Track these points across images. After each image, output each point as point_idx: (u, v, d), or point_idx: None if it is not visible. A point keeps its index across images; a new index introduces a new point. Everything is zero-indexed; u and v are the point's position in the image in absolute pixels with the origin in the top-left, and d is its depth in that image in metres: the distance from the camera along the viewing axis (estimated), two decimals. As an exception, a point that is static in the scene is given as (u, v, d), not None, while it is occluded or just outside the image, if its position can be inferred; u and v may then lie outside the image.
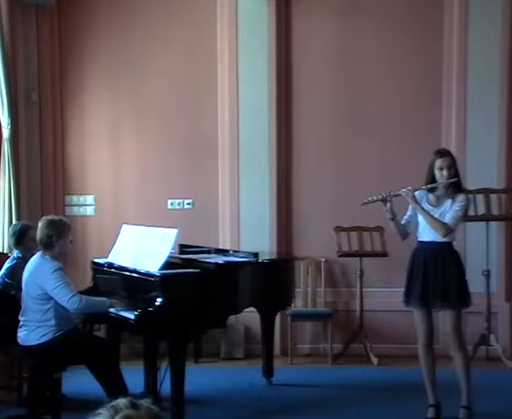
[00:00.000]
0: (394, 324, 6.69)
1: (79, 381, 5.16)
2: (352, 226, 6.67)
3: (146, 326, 4.59)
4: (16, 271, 5.20)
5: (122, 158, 7.06)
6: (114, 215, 6.87)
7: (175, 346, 4.66)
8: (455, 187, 4.77)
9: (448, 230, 4.70)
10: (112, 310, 4.77)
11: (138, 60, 6.97)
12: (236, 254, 5.63)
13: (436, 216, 4.72)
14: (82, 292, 5.08)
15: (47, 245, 4.72)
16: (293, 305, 6.47)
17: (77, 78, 7.00)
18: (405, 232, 4.94)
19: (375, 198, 4.85)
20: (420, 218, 4.79)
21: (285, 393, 5.79)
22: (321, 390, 5.86)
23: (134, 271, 4.90)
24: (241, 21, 6.79)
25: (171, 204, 6.99)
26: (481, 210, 6.42)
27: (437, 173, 4.74)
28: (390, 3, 6.85)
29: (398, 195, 4.81)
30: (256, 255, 5.31)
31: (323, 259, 6.90)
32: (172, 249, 4.85)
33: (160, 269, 4.67)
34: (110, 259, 5.29)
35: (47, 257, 4.73)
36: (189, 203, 7.00)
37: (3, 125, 6.27)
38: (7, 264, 5.42)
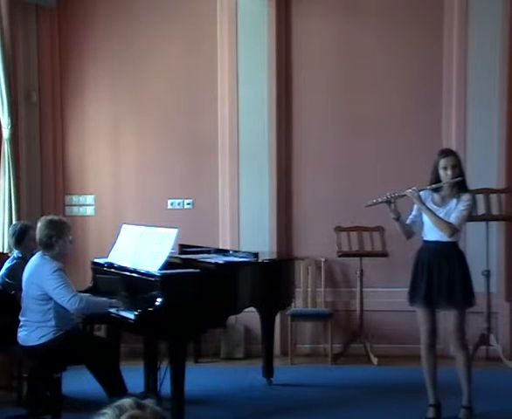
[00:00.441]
0: (394, 324, 6.68)
1: (79, 381, 5.16)
2: (352, 226, 6.67)
3: (146, 326, 4.59)
4: (16, 271, 5.21)
5: (122, 158, 7.05)
6: (114, 215, 6.87)
7: (175, 346, 4.66)
8: (460, 186, 4.75)
9: (454, 230, 4.69)
10: (112, 310, 4.77)
11: (138, 60, 6.97)
12: (236, 254, 5.63)
13: (441, 215, 4.70)
14: (82, 292, 5.09)
15: (47, 245, 4.72)
16: (293, 305, 6.47)
17: (77, 78, 7.00)
18: (410, 232, 4.93)
19: (379, 200, 4.83)
20: (425, 218, 4.78)
21: (285, 393, 5.79)
22: (321, 390, 5.86)
23: (135, 271, 4.90)
24: (241, 21, 6.79)
25: (171, 204, 6.99)
26: (481, 210, 6.42)
27: (441, 172, 4.73)
28: (390, 3, 6.85)
29: (403, 195, 4.79)
30: (256, 255, 5.31)
31: (323, 259, 6.90)
32: (172, 249, 4.85)
33: (160, 269, 4.67)
34: (110, 259, 5.29)
35: (47, 257, 4.72)
36: (189, 203, 7.00)
37: (3, 125, 6.27)
38: (7, 264, 5.42)
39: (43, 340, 4.65)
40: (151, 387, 5.29)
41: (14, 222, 6.06)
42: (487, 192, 6.43)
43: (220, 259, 5.19)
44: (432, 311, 4.83)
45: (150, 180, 7.02)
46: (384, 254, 6.59)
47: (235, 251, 5.81)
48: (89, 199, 7.07)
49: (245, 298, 5.11)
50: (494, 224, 6.62)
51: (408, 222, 4.91)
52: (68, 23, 6.97)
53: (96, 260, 5.52)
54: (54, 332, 4.65)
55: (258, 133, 6.84)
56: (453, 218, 4.69)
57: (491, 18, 6.64)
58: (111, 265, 5.23)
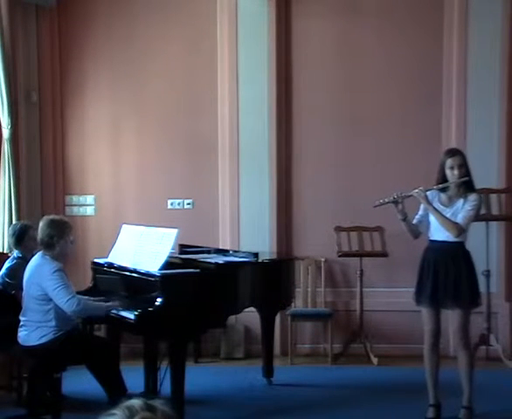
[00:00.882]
0: (394, 324, 6.68)
1: (79, 381, 5.16)
2: (352, 226, 6.67)
3: (146, 326, 4.59)
4: (16, 271, 5.21)
5: (122, 158, 7.05)
6: (114, 215, 6.87)
7: (175, 346, 4.66)
8: (467, 186, 4.73)
9: (460, 230, 4.68)
10: (112, 310, 4.78)
11: (138, 60, 6.97)
12: (236, 254, 5.63)
13: (448, 215, 4.69)
14: (82, 292, 5.10)
15: (48, 245, 4.72)
16: (293, 305, 6.47)
17: (77, 78, 7.00)
18: (417, 232, 4.92)
19: (386, 200, 4.81)
20: (432, 218, 4.76)
21: (285, 393, 5.79)
22: (321, 390, 5.86)
23: (135, 271, 4.90)
24: (241, 21, 6.79)
25: (171, 204, 6.99)
26: (481, 210, 6.41)
27: (448, 172, 4.71)
28: (390, 3, 6.85)
29: (410, 196, 4.78)
30: (256, 255, 5.32)
31: (323, 259, 6.90)
32: (172, 249, 4.86)
33: (160, 269, 4.67)
34: (110, 259, 5.29)
35: (48, 257, 4.72)
36: (189, 203, 7.00)
37: (3, 125, 6.27)
38: (7, 264, 5.42)
39: (43, 340, 4.65)
40: (151, 387, 5.29)
41: (14, 222, 6.07)
42: (487, 192, 6.42)
43: (220, 259, 5.19)
44: (437, 311, 4.82)
45: (150, 180, 7.02)
46: (383, 254, 6.59)
47: (235, 251, 5.82)
48: (89, 199, 7.07)
49: (245, 298, 5.11)
50: (494, 224, 6.62)
51: (414, 222, 4.89)
52: (68, 23, 6.97)
53: (96, 260, 5.52)
54: (54, 332, 4.65)
55: (258, 133, 6.84)
56: (459, 218, 4.68)
57: (491, 18, 6.64)
58: (111, 265, 5.23)
